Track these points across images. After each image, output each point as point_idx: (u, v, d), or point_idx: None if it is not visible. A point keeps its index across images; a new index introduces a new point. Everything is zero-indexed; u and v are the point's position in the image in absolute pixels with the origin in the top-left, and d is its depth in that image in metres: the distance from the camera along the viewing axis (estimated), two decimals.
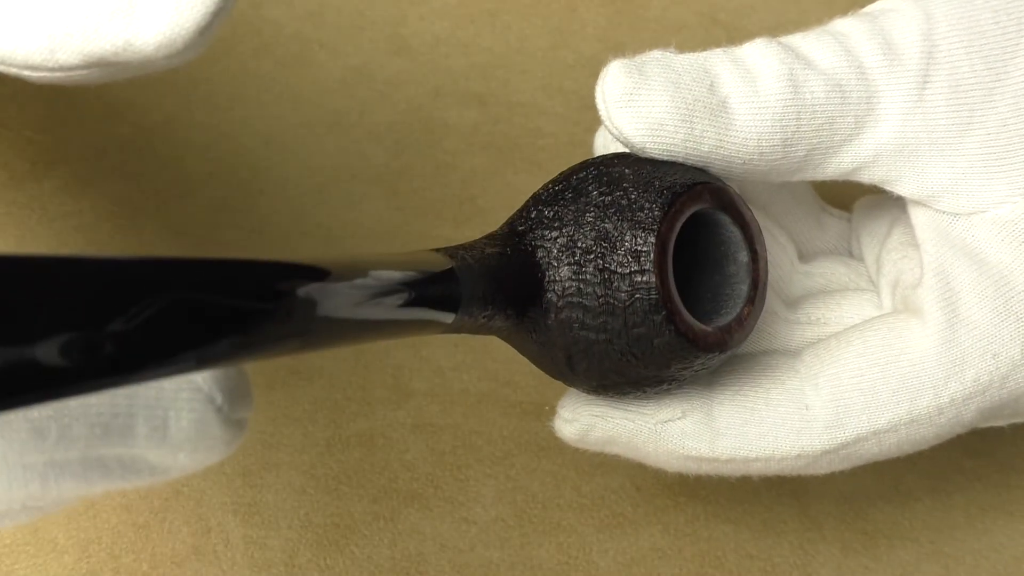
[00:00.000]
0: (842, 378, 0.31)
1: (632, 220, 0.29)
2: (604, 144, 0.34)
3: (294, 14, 0.44)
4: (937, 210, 0.32)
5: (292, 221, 0.42)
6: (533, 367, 0.31)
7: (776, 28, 0.33)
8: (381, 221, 0.42)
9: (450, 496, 0.38)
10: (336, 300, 0.24)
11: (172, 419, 0.23)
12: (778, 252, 0.35)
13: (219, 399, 0.23)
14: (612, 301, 0.29)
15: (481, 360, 0.40)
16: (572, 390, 0.32)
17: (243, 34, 0.43)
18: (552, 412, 0.32)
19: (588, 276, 0.29)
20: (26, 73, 0.29)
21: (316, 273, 0.23)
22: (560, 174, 0.31)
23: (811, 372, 0.32)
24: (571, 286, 0.29)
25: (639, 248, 0.28)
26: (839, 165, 0.31)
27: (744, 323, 0.30)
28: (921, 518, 0.39)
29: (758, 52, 0.31)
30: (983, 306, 0.31)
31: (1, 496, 0.23)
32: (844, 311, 0.34)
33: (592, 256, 0.29)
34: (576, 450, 0.33)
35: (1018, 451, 0.39)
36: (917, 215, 0.32)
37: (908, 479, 0.39)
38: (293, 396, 0.39)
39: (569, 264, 0.29)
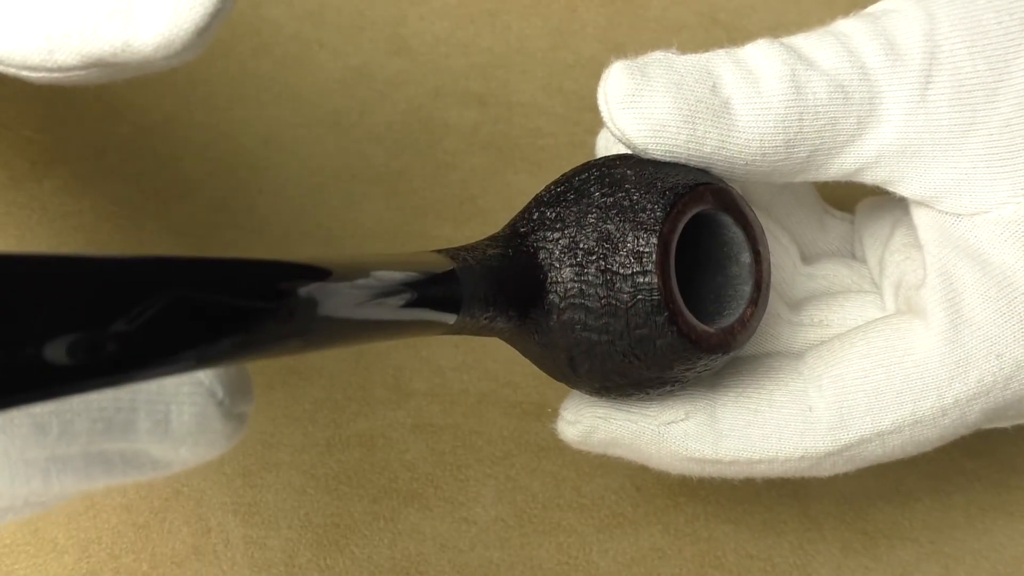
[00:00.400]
0: (846, 379, 0.31)
1: (634, 221, 0.29)
2: (606, 146, 0.34)
3: (294, 14, 0.44)
4: (940, 211, 0.32)
5: (292, 221, 0.41)
6: (533, 368, 0.31)
7: (776, 28, 0.33)
8: (381, 221, 0.42)
9: (450, 496, 0.38)
10: (337, 300, 0.24)
11: (174, 413, 0.23)
12: (781, 254, 0.35)
13: (220, 393, 0.24)
14: (614, 302, 0.29)
15: (481, 360, 0.40)
16: (575, 392, 0.32)
17: (243, 34, 0.43)
18: (553, 413, 0.32)
19: (590, 277, 0.29)
20: (24, 73, 0.29)
21: (318, 273, 0.23)
22: (562, 175, 0.31)
23: (814, 374, 0.32)
24: (573, 287, 0.29)
25: (641, 249, 0.28)
26: (842, 166, 0.31)
27: (747, 324, 0.30)
28: (921, 518, 0.39)
29: (760, 53, 0.31)
30: (986, 307, 0.31)
31: (3, 492, 0.23)
32: (847, 313, 0.34)
33: (594, 257, 0.29)
34: (576, 450, 0.33)
35: (1018, 451, 0.39)
36: (919, 216, 0.32)
37: (908, 479, 0.39)
38: (293, 396, 0.39)
39: (571, 265, 0.29)
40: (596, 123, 0.32)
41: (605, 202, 0.29)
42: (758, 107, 0.30)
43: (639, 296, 0.28)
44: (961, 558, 0.38)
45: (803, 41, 0.31)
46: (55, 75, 0.28)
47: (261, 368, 0.39)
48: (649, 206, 0.29)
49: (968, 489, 0.39)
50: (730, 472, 0.32)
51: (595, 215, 0.29)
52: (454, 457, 0.39)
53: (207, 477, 0.38)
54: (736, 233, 0.31)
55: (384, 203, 0.42)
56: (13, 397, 0.18)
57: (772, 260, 0.33)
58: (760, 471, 0.32)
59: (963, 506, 0.39)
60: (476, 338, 0.31)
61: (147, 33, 0.27)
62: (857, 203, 0.37)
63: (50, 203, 0.41)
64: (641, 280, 0.28)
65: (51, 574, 0.36)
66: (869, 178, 0.32)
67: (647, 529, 0.38)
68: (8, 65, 0.28)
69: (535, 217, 0.30)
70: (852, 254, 0.36)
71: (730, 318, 0.30)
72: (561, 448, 0.33)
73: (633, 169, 0.30)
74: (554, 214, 0.30)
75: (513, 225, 0.30)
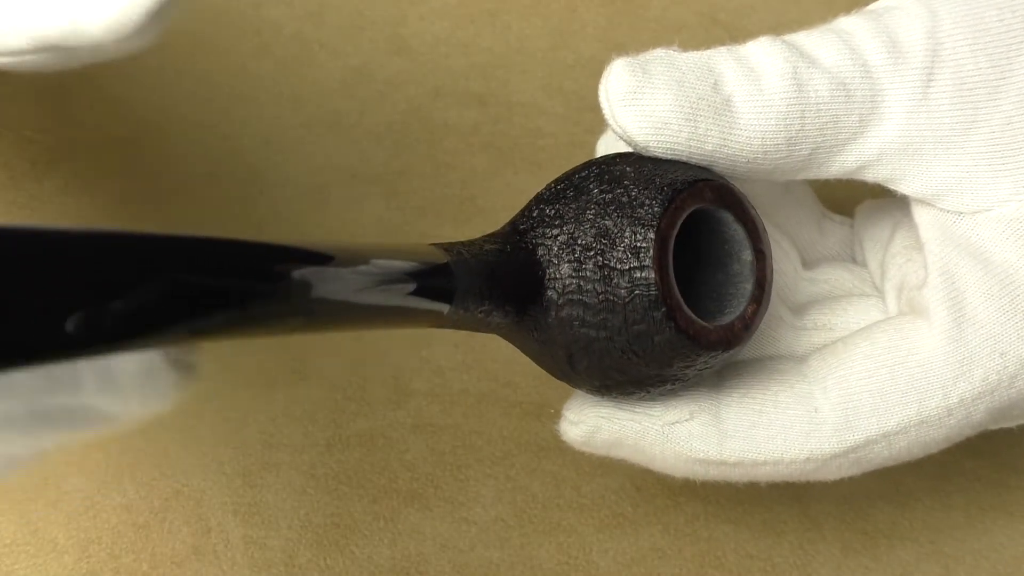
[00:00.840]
0: (850, 380, 0.31)
1: (632, 216, 0.29)
2: (607, 148, 0.34)
3: (294, 14, 0.44)
4: (941, 209, 0.32)
5: (292, 221, 0.41)
6: (533, 368, 0.31)
7: (777, 28, 0.33)
8: (381, 221, 0.41)
9: (450, 496, 0.38)
10: (335, 284, 0.24)
11: (117, 364, 0.23)
12: (782, 258, 0.35)
13: None
14: (612, 298, 0.29)
15: (481, 360, 0.40)
16: (578, 393, 0.32)
17: (243, 34, 0.43)
18: (555, 414, 0.32)
19: (588, 273, 0.29)
20: None
21: (318, 257, 0.24)
22: (563, 174, 0.31)
23: (819, 375, 0.32)
24: (571, 283, 0.29)
25: (638, 244, 0.28)
26: (843, 164, 0.31)
27: (748, 321, 0.30)
28: (921, 518, 0.39)
29: (762, 50, 0.31)
30: (989, 305, 0.31)
31: None
32: (850, 316, 0.34)
33: (592, 253, 0.29)
34: (576, 451, 0.33)
35: (1018, 451, 0.39)
36: (921, 214, 0.32)
37: (908, 479, 0.39)
38: (293, 396, 0.39)
39: (569, 261, 0.29)
40: (596, 123, 0.32)
41: (604, 198, 0.29)
42: (760, 104, 0.30)
43: (636, 292, 0.28)
44: (961, 558, 0.38)
45: (805, 39, 0.31)
46: (6, 59, 0.28)
47: (261, 368, 0.39)
48: (647, 202, 0.29)
49: (968, 489, 0.39)
50: (734, 475, 0.32)
51: (593, 211, 0.29)
52: (454, 457, 0.39)
53: (207, 477, 0.38)
54: (737, 230, 0.31)
55: (384, 203, 0.42)
56: (10, 364, 0.18)
57: (774, 264, 0.33)
58: (765, 473, 0.32)
59: (963, 506, 0.39)
60: (476, 338, 0.31)
61: (96, 14, 0.27)
62: (855, 207, 0.37)
63: (50, 203, 0.41)
64: (638, 276, 0.28)
65: (51, 574, 0.36)
66: (871, 176, 0.32)
67: (647, 529, 0.38)
68: None
69: (535, 214, 0.30)
70: (852, 258, 0.36)
71: (730, 316, 0.30)
72: (561, 448, 0.33)
73: (633, 166, 0.30)
74: (553, 211, 0.30)
75: (513, 223, 0.30)
